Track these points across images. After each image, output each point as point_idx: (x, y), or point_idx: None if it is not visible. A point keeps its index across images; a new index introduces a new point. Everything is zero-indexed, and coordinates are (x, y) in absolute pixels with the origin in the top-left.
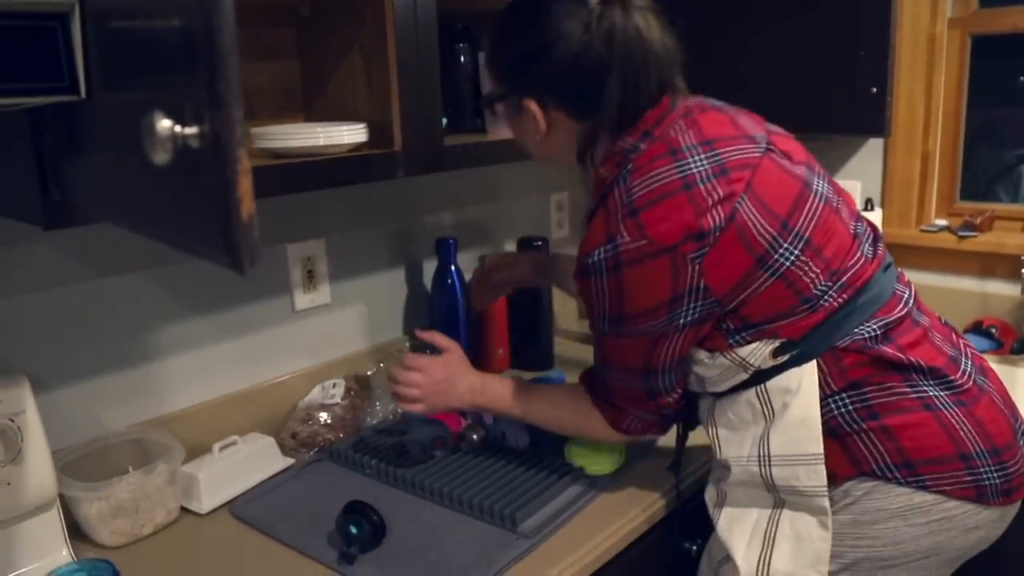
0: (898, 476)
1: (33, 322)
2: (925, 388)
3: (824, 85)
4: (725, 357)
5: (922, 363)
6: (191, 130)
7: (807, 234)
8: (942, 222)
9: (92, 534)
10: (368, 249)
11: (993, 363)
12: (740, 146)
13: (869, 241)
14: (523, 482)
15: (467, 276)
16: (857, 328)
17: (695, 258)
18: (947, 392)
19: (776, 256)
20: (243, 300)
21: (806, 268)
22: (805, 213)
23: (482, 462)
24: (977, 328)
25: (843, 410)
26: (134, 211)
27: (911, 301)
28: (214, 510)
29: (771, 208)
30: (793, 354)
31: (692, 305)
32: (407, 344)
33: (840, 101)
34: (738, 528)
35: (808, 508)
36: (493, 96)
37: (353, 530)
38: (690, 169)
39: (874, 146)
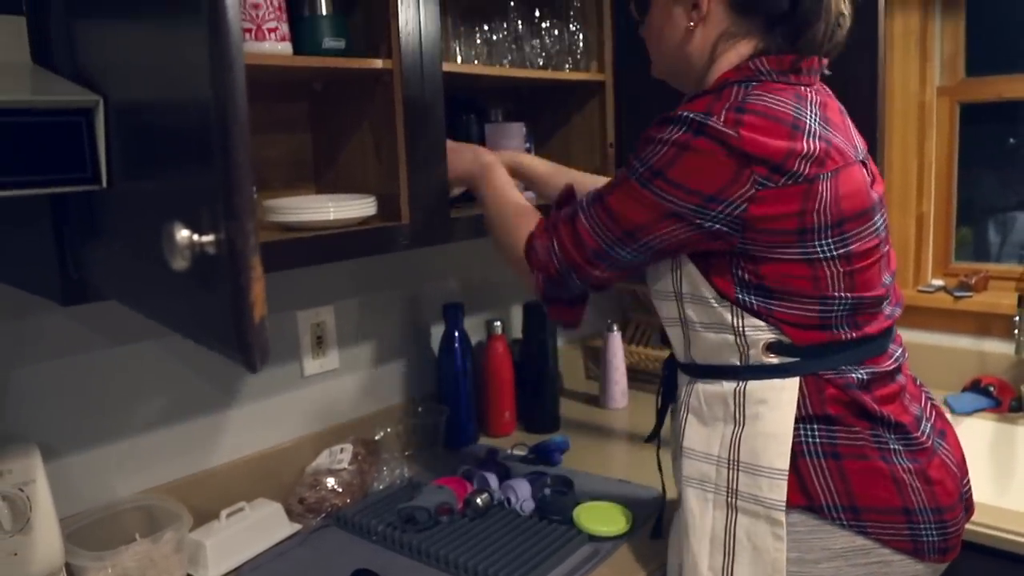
0: (842, 518)
1: (46, 389)
2: (887, 441)
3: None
4: (727, 310)
5: (891, 418)
6: (208, 238)
7: (852, 247)
8: (938, 282)
9: None
10: (377, 314)
11: (991, 422)
12: (844, 142)
13: (890, 301)
14: (529, 547)
15: (474, 341)
16: (847, 367)
17: (758, 182)
18: (905, 448)
19: (815, 243)
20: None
21: (835, 271)
22: (861, 229)
23: (488, 528)
24: (975, 386)
25: (810, 439)
26: (148, 300)
27: (900, 360)
28: None
29: (840, 202)
30: (785, 361)
31: (722, 215)
32: None
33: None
34: (696, 536)
35: (765, 518)
36: None
37: None
38: (804, 118)
39: None
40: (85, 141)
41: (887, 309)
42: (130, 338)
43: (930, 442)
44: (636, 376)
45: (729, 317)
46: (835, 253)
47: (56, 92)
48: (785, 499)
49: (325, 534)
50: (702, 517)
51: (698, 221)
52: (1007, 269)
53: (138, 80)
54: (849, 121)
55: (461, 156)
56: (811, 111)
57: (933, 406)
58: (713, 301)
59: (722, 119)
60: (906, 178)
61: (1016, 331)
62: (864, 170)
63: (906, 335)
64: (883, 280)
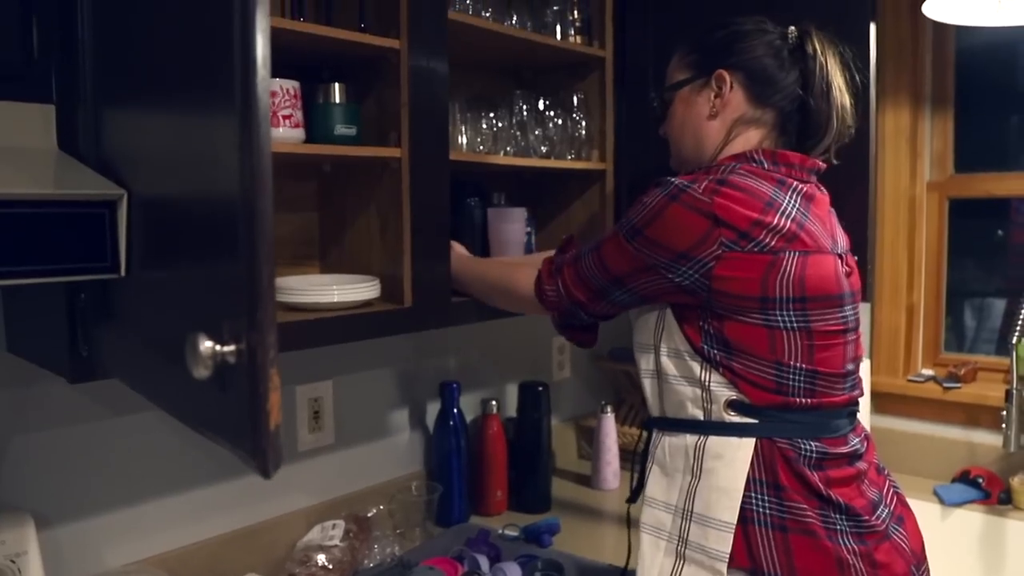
0: None
1: (44, 458)
2: (835, 521)
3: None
4: (697, 364)
5: (840, 501)
6: (229, 348)
7: (814, 324)
8: (928, 372)
9: None
10: (374, 391)
11: (980, 514)
12: (821, 232)
13: (848, 386)
14: None
15: (469, 418)
16: (801, 440)
17: (725, 244)
18: (853, 530)
19: (776, 312)
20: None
21: (793, 343)
22: (824, 311)
23: None
24: (965, 478)
25: (760, 507)
26: (159, 391)
27: (858, 448)
28: None
29: (804, 281)
30: (744, 420)
31: (691, 271)
32: None
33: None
34: None
35: (709, 569)
36: (681, 82)
37: None
38: (780, 201)
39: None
40: (107, 232)
41: (845, 388)
42: (129, 409)
43: (884, 526)
44: (629, 457)
45: (698, 370)
46: (795, 326)
47: (81, 185)
48: (729, 551)
49: None
50: (652, 562)
51: (670, 275)
52: (995, 361)
53: (163, 172)
54: (835, 220)
55: None
56: (791, 197)
57: (896, 493)
58: (686, 355)
59: (701, 188)
60: (896, 270)
61: (1004, 425)
62: (839, 261)
63: (896, 424)
64: (846, 364)
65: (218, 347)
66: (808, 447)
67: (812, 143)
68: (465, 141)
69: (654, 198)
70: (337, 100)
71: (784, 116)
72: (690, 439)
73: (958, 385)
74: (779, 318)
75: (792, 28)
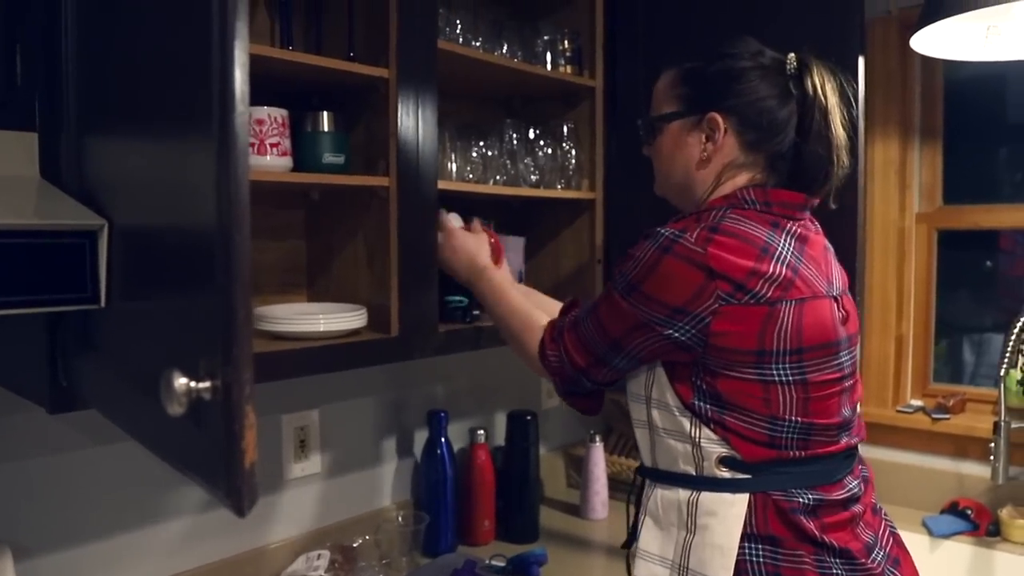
0: None
1: (22, 489)
2: (830, 565)
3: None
4: (687, 420)
5: (835, 544)
6: (204, 384)
7: (808, 375)
8: (917, 403)
9: None
10: (361, 420)
11: (969, 545)
12: (816, 275)
13: (847, 432)
14: None
15: (457, 447)
16: (796, 490)
17: (721, 297)
18: (849, 573)
19: (772, 366)
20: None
21: (788, 396)
22: (820, 360)
23: None
24: (953, 509)
25: (754, 558)
26: (137, 425)
27: (855, 491)
28: None
29: (801, 331)
30: (736, 476)
31: (688, 327)
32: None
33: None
34: None
35: None
36: (671, 115)
37: None
38: (776, 246)
39: None
40: (87, 263)
41: (843, 437)
42: (109, 439)
43: (880, 569)
44: (617, 487)
45: (688, 426)
46: (791, 379)
47: (62, 215)
48: None
49: None
50: None
51: (667, 331)
52: (984, 392)
53: (144, 203)
54: (832, 258)
55: (461, 250)
56: (785, 241)
57: (892, 535)
58: (676, 410)
59: (694, 238)
60: (886, 301)
61: (992, 457)
62: (835, 305)
63: (885, 454)
64: (842, 412)
65: (193, 383)
66: (804, 497)
67: (806, 186)
68: (455, 169)
69: (646, 252)
70: (326, 128)
71: (776, 157)
72: (683, 494)
73: (947, 416)
74: (775, 372)
75: (792, 56)
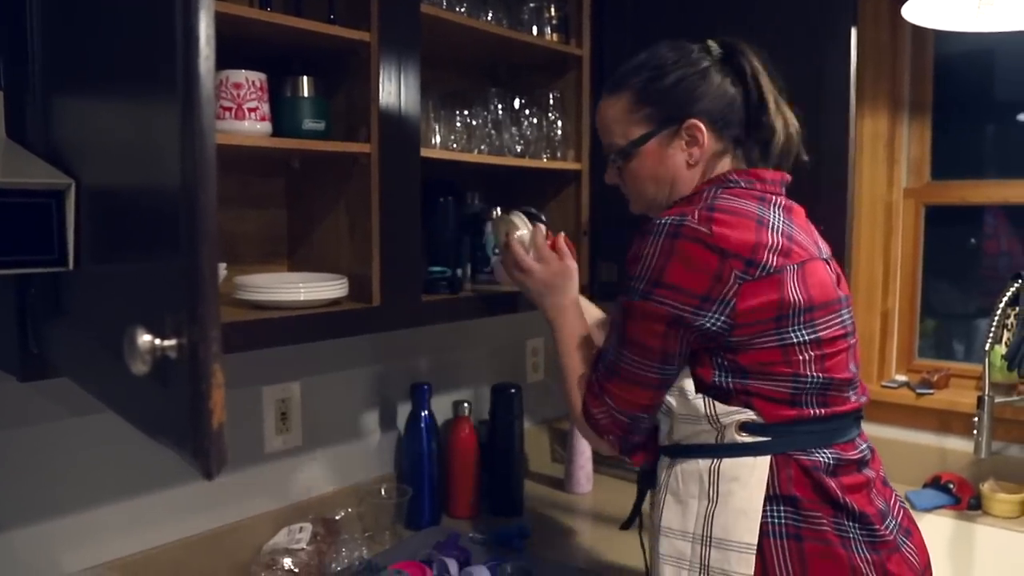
0: None
1: None
2: (847, 529)
3: (833, 258)
4: (700, 402)
5: (854, 507)
6: (170, 343)
7: (821, 333)
8: (902, 378)
9: None
10: (343, 392)
11: (950, 519)
12: (808, 240)
13: (855, 388)
14: None
15: (440, 421)
16: (815, 448)
17: (739, 276)
18: (866, 539)
19: (789, 328)
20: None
21: (807, 355)
22: (828, 318)
23: None
24: (935, 483)
25: (775, 519)
26: (107, 390)
27: (866, 454)
28: None
29: (808, 290)
30: (757, 440)
31: (718, 313)
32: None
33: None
34: None
35: None
36: (645, 136)
37: None
38: (767, 217)
39: None
40: (55, 223)
41: (852, 396)
42: (85, 410)
43: (893, 537)
44: (602, 461)
45: (702, 408)
46: (807, 338)
47: (28, 174)
48: (752, 572)
49: None
50: None
51: (699, 322)
52: (968, 368)
53: (110, 162)
54: (813, 228)
55: (542, 280)
56: (774, 212)
57: (901, 506)
58: (689, 394)
59: (695, 218)
60: (872, 276)
61: (975, 431)
62: (828, 267)
63: (870, 429)
64: (850, 368)
65: (158, 341)
66: (824, 455)
67: (766, 156)
68: (439, 140)
69: (654, 245)
70: (306, 94)
71: (738, 137)
72: (703, 463)
73: (931, 391)
74: (792, 333)
75: (711, 44)
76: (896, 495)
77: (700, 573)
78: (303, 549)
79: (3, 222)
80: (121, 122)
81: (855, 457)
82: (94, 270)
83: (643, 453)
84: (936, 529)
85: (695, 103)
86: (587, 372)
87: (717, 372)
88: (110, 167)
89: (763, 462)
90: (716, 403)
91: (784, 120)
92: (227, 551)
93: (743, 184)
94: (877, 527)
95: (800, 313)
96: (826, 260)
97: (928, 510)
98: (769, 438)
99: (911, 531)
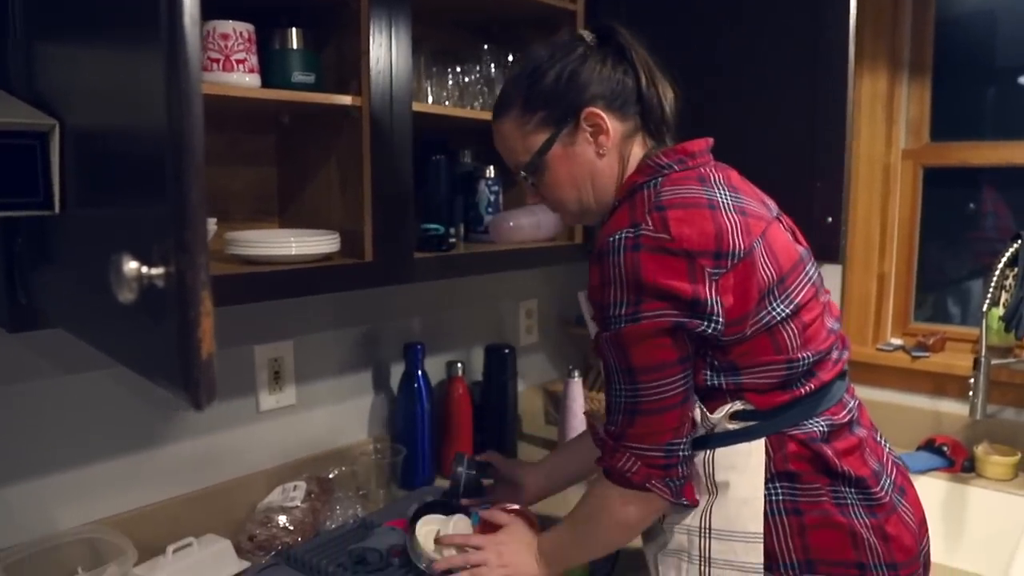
0: (797, 573)
1: None
2: (846, 496)
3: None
4: (698, 409)
5: (851, 473)
6: (157, 271)
7: (797, 299)
8: (897, 341)
9: None
10: (336, 351)
11: (944, 481)
12: (757, 204)
13: (837, 347)
14: None
15: (434, 381)
16: (807, 421)
17: (711, 274)
18: (864, 503)
19: (768, 306)
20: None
21: (790, 332)
22: (799, 280)
23: None
24: (929, 446)
25: (774, 497)
26: (96, 331)
27: (855, 411)
28: None
29: (777, 259)
30: (748, 425)
31: (713, 319)
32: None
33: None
34: None
35: None
36: (547, 143)
37: None
38: (716, 197)
39: (832, 268)
40: (39, 166)
41: (834, 353)
42: (80, 367)
43: (888, 498)
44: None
45: (697, 415)
46: (787, 312)
47: (10, 114)
48: (761, 561)
49: (274, 572)
50: None
51: (700, 329)
52: (964, 331)
53: (95, 106)
54: (753, 184)
55: (513, 560)
56: (718, 188)
57: (895, 463)
58: None
59: (650, 224)
60: (869, 238)
61: (971, 393)
62: (781, 225)
63: (864, 392)
64: (829, 327)
65: (144, 269)
66: (816, 424)
67: (667, 128)
68: (431, 98)
69: (617, 267)
70: (295, 45)
71: (643, 116)
72: (697, 457)
73: (926, 354)
74: (773, 312)
75: (582, 32)
76: (888, 451)
77: (702, 565)
78: (297, 507)
79: None
80: (104, 68)
81: (846, 419)
82: (80, 213)
83: (692, 490)
84: (929, 491)
85: (583, 91)
86: (595, 495)
87: (709, 373)
88: (95, 111)
89: (758, 447)
90: (705, 408)
91: (670, 88)
92: (222, 509)
93: (676, 167)
94: (873, 489)
95: (775, 287)
96: (777, 218)
97: (922, 472)
98: (759, 421)
99: (905, 488)
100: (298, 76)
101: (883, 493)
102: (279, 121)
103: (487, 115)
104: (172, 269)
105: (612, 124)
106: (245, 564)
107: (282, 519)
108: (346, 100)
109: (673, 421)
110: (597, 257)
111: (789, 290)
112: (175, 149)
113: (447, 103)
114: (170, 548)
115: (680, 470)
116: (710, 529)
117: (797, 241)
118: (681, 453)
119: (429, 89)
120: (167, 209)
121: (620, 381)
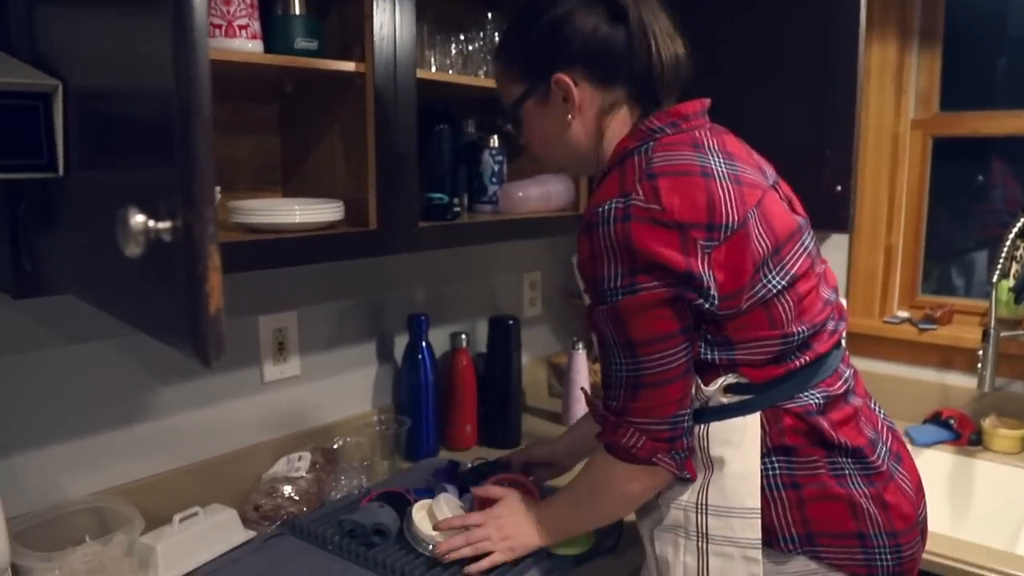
0: (797, 547)
1: None
2: (843, 466)
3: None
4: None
5: (847, 443)
6: (164, 225)
7: (793, 271)
8: (904, 314)
9: None
10: (340, 322)
11: (950, 454)
12: (753, 170)
13: (833, 317)
14: None
15: (438, 353)
16: (803, 393)
17: (704, 246)
18: (861, 472)
19: (764, 278)
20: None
21: (786, 304)
22: (794, 251)
23: None
24: (936, 419)
25: (771, 472)
26: (103, 292)
27: (850, 381)
28: None
29: (773, 228)
30: (743, 399)
31: (705, 289)
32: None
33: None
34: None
35: (741, 558)
36: (520, 98)
37: None
38: (709, 164)
39: (839, 239)
40: (42, 127)
41: (830, 324)
42: (86, 337)
43: (885, 466)
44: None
45: (691, 390)
46: (782, 284)
47: (13, 75)
48: (759, 536)
49: (280, 542)
50: (675, 564)
51: (697, 302)
52: (972, 304)
53: (99, 67)
54: (750, 148)
55: (513, 531)
56: (712, 155)
57: (890, 429)
58: None
59: (640, 194)
60: (876, 209)
61: (979, 365)
62: (778, 193)
63: (871, 365)
64: (825, 298)
65: (151, 222)
66: (812, 396)
67: (663, 93)
68: (435, 67)
69: (607, 239)
70: (297, 12)
71: (629, 84)
72: (693, 430)
73: (934, 327)
74: (768, 284)
75: None
76: (883, 417)
77: (699, 540)
78: (303, 477)
79: None
80: (109, 29)
81: (841, 390)
82: (85, 175)
83: (692, 463)
84: (936, 464)
85: (560, 54)
86: (597, 462)
87: (703, 348)
88: (99, 72)
89: (754, 421)
90: (700, 382)
91: (680, 46)
92: (227, 479)
93: (668, 130)
94: (870, 458)
95: (770, 257)
96: (774, 185)
97: (928, 445)
98: (754, 395)
99: (901, 455)
100: (301, 42)
101: (880, 461)
102: (282, 90)
103: (491, 83)
104: (179, 223)
105: (587, 93)
106: (251, 533)
107: (287, 489)
108: (349, 67)
109: (677, 393)
110: (586, 228)
111: (784, 261)
112: (182, 103)
113: (451, 71)
114: (176, 517)
115: (684, 442)
116: (707, 506)
117: (794, 210)
118: (685, 424)
119: (432, 58)
120: (174, 166)
121: (620, 355)
